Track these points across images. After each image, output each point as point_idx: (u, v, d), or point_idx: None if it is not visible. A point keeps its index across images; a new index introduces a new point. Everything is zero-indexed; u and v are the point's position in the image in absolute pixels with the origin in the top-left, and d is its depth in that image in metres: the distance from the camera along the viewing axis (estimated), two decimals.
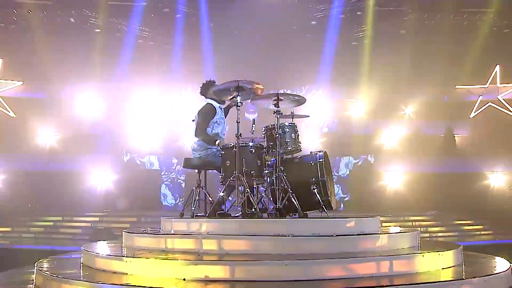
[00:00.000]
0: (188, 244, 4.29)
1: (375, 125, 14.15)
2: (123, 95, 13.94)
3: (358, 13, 13.10)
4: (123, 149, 13.86)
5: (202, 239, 4.20)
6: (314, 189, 5.10)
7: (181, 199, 13.81)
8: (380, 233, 4.43)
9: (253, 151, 5.12)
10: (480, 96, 13.91)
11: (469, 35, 13.14)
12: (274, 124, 5.23)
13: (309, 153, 5.42)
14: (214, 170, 5.79)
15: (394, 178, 13.42)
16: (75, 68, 12.93)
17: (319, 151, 5.35)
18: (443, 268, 4.03)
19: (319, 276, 3.65)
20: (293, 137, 5.30)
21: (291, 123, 5.33)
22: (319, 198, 5.06)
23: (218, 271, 3.70)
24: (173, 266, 3.81)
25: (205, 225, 4.54)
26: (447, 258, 4.12)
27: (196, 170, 5.70)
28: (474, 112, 13.94)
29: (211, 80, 5.89)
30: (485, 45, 13.07)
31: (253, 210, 4.84)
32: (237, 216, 5.18)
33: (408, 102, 14.22)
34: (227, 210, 5.53)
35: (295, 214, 5.13)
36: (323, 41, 13.46)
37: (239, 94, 5.04)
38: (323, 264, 3.71)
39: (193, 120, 5.83)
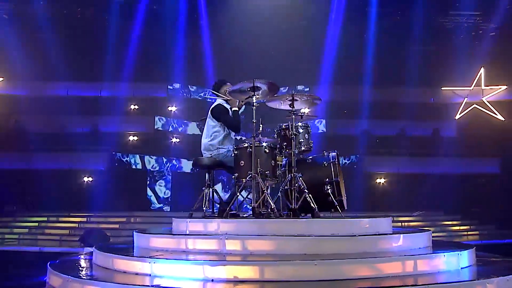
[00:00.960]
0: (210, 244, 4.31)
1: (360, 125, 14.35)
2: (108, 90, 13.89)
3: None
4: (109, 147, 13.72)
5: (226, 240, 4.22)
6: (328, 189, 5.18)
7: (168, 199, 13.78)
8: (400, 233, 4.52)
9: (267, 151, 5.17)
10: (465, 98, 14.25)
11: (455, 37, 13.47)
12: (287, 124, 5.29)
13: (321, 153, 5.50)
14: (222, 170, 5.86)
15: (380, 179, 13.65)
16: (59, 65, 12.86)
17: (331, 152, 5.43)
18: (462, 268, 4.15)
19: (348, 276, 3.72)
20: (306, 138, 5.37)
21: (304, 124, 5.40)
22: (333, 198, 5.15)
23: (247, 272, 3.73)
24: (200, 267, 3.82)
25: (224, 226, 4.56)
26: (465, 258, 4.25)
27: (206, 170, 5.72)
28: (460, 114, 14.29)
29: (223, 79, 5.93)
30: (471, 47, 13.44)
31: (269, 210, 4.89)
32: (246, 216, 5.24)
33: (394, 103, 14.45)
34: (236, 211, 5.58)
35: (306, 214, 5.23)
36: (313, 40, 13.60)
37: (255, 94, 5.08)
38: (351, 263, 3.78)
39: (200, 120, 5.86)
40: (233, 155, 5.34)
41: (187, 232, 4.83)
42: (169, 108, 14.39)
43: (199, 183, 13.89)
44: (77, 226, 11.48)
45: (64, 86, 14.09)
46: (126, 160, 13.81)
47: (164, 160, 14.05)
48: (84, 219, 11.72)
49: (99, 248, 4.92)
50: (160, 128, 14.19)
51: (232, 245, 4.22)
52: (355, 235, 4.28)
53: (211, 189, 5.64)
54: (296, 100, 5.18)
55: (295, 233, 4.32)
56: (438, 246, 4.85)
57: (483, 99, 14.13)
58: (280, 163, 5.38)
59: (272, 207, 4.82)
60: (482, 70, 14.09)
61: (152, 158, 14.01)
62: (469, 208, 12.55)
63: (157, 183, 13.91)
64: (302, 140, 5.31)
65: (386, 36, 13.78)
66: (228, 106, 5.73)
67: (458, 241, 9.79)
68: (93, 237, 9.88)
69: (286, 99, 5.18)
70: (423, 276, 3.86)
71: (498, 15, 12.94)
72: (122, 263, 4.28)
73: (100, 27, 13.40)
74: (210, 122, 5.68)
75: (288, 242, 4.18)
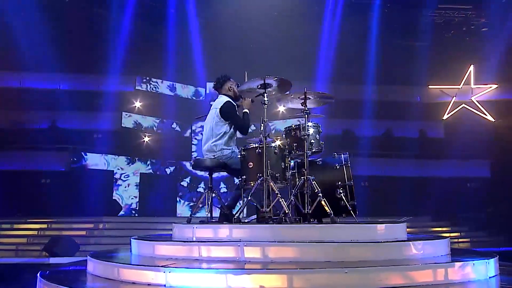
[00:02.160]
0: (227, 252, 4.40)
1: (344, 125, 14.64)
2: (74, 86, 13.69)
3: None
4: (70, 146, 13.50)
5: (244, 247, 4.32)
6: (341, 193, 5.35)
7: (136, 203, 13.70)
8: (420, 240, 4.72)
9: (277, 153, 5.30)
10: (454, 97, 14.77)
11: (445, 33, 13.96)
12: (298, 125, 5.43)
13: (329, 154, 5.67)
14: (224, 173, 5.95)
15: (364, 181, 13.97)
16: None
17: (343, 153, 5.61)
18: (490, 277, 4.39)
19: (380, 284, 3.87)
20: (317, 138, 5.52)
21: (314, 124, 5.55)
22: (346, 203, 5.32)
23: (274, 280, 3.83)
24: (222, 275, 3.90)
25: (237, 232, 4.66)
26: (492, 266, 4.49)
27: (207, 172, 5.80)
28: (447, 114, 14.79)
29: (226, 75, 6.01)
30: (461, 43, 13.97)
31: (282, 215, 5.02)
32: (248, 222, 5.36)
33: (379, 102, 14.82)
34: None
35: (314, 220, 5.39)
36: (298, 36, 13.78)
37: (266, 92, 5.20)
38: (382, 271, 3.94)
39: (197, 118, 5.95)
40: (239, 156, 5.45)
41: (194, 239, 4.89)
42: (139, 104, 14.27)
43: (170, 185, 13.97)
44: (37, 233, 11.26)
45: (17, 76, 13.77)
46: (90, 160, 13.62)
47: (132, 160, 13.93)
48: (45, 226, 11.49)
49: (96, 257, 4.92)
50: (128, 126, 14.06)
51: (251, 252, 4.32)
52: (380, 241, 4.46)
53: (212, 193, 5.72)
54: (309, 98, 5.32)
55: (314, 239, 4.46)
56: (456, 253, 5.08)
57: (472, 98, 14.66)
58: (287, 165, 5.52)
59: (286, 211, 4.94)
60: (471, 68, 14.61)
61: (118, 158, 13.87)
62: (459, 214, 13.00)
63: (124, 186, 13.78)
64: (313, 141, 5.45)
65: (372, 31, 14.12)
66: (235, 104, 5.83)
67: (467, 248, 10.14)
68: (60, 246, 9.75)
69: (298, 97, 5.32)
70: (455, 285, 4.06)
71: (490, 10, 13.40)
72: (130, 273, 4.30)
73: (63, 12, 13.14)
74: (216, 121, 5.72)
75: (310, 248, 4.32)
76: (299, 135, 5.38)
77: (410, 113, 14.52)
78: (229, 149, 5.70)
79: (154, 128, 14.41)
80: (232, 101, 5.91)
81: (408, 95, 14.87)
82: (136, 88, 14.31)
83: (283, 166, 5.35)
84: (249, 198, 5.12)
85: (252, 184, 5.26)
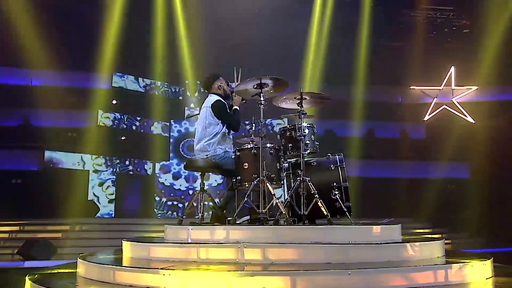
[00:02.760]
0: (227, 253, 4.44)
1: (326, 126, 14.80)
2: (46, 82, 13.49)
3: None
4: (43, 144, 13.31)
5: (244, 248, 4.38)
6: (336, 194, 5.46)
7: (113, 204, 13.60)
8: (416, 241, 4.85)
9: (273, 153, 5.38)
10: (435, 98, 15.08)
11: (428, 33, 14.26)
12: (293, 125, 5.52)
13: (325, 155, 5.77)
14: (214, 174, 6.00)
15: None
16: None
17: (337, 154, 5.72)
18: (487, 278, 4.54)
19: (381, 286, 3.98)
20: (313, 139, 5.62)
21: (309, 124, 5.64)
22: (342, 204, 5.43)
23: (278, 282, 3.88)
24: (225, 278, 3.93)
25: (234, 233, 4.71)
26: (488, 268, 4.65)
27: (199, 173, 5.83)
28: (429, 115, 15.09)
29: (215, 73, 6.07)
30: (442, 44, 14.29)
31: (278, 216, 5.10)
32: (239, 223, 5.43)
33: (361, 102, 15.03)
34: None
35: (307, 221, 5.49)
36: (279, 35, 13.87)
37: (262, 92, 5.27)
38: (384, 272, 4.04)
39: (186, 118, 5.98)
40: (233, 157, 5.51)
41: (189, 241, 4.92)
42: (115, 102, 14.16)
43: (147, 186, 13.92)
44: (8, 236, 11.08)
45: None
46: (64, 160, 13.46)
47: (109, 159, 13.82)
48: (17, 228, 11.32)
49: (88, 259, 4.91)
50: (104, 124, 13.94)
51: (251, 254, 4.38)
52: (378, 243, 4.57)
53: (204, 193, 5.76)
54: (305, 99, 5.41)
55: (313, 240, 4.56)
56: (450, 255, 5.23)
57: (453, 100, 14.98)
58: (282, 166, 5.61)
59: (284, 212, 5.01)
60: (452, 70, 14.94)
61: (94, 157, 13.74)
62: (439, 215, 13.28)
63: (101, 186, 13.66)
64: (308, 142, 5.55)
65: (353, 30, 14.30)
66: (225, 102, 5.89)
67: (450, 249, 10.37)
68: (36, 249, 9.63)
69: (294, 98, 5.41)
70: (454, 286, 4.18)
71: (472, 12, 13.75)
72: (127, 276, 4.30)
73: (34, 5, 12.92)
74: (209, 120, 5.78)
75: (310, 250, 4.39)
76: (294, 135, 5.47)
77: (392, 114, 14.78)
78: (222, 148, 5.76)
79: (132, 127, 14.31)
80: (222, 100, 5.97)
81: (390, 95, 15.12)
82: (113, 85, 14.17)
83: (278, 167, 5.43)
84: (246, 199, 5.17)
85: (247, 185, 5.33)
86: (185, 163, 5.84)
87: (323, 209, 5.11)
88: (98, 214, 13.19)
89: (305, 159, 5.68)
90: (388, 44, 14.53)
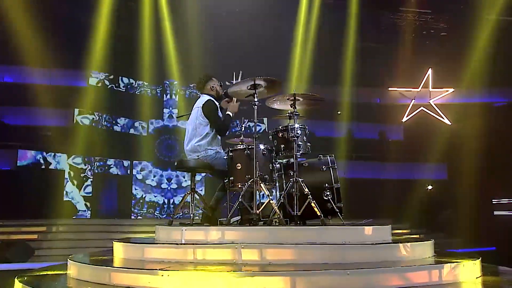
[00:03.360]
0: (223, 254, 4.48)
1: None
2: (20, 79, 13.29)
3: None
4: (17, 143, 13.09)
5: (242, 249, 4.43)
6: (328, 195, 5.56)
7: (89, 204, 13.46)
8: (408, 242, 4.97)
9: (266, 154, 5.45)
10: (413, 100, 15.37)
11: (406, 35, 14.54)
12: (285, 126, 5.60)
13: (315, 156, 5.87)
14: (204, 174, 6.05)
15: None
16: None
17: (329, 155, 5.83)
18: (476, 277, 4.69)
19: (379, 286, 4.08)
20: (305, 140, 5.71)
21: (302, 125, 5.72)
22: (333, 205, 5.53)
23: (278, 283, 3.94)
24: (225, 278, 3.97)
25: (230, 234, 4.75)
26: (477, 267, 4.81)
27: (190, 173, 5.87)
28: (407, 117, 15.38)
29: (208, 74, 6.12)
30: (421, 46, 14.58)
31: (272, 217, 5.17)
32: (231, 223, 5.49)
33: (340, 103, 15.20)
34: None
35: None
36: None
37: (256, 93, 5.33)
38: (381, 272, 4.14)
39: (177, 118, 6.02)
40: (225, 157, 5.57)
41: (183, 242, 4.95)
42: (92, 101, 14.00)
43: (125, 186, 13.81)
44: None
45: None
46: (39, 159, 13.27)
47: (85, 159, 13.67)
48: None
49: (79, 260, 4.90)
50: (81, 123, 13.78)
51: (249, 255, 4.43)
52: (372, 243, 4.68)
53: (195, 194, 5.79)
54: (298, 100, 5.49)
55: (309, 241, 4.64)
56: (439, 255, 5.38)
57: (431, 101, 15.29)
58: (274, 166, 5.68)
59: (278, 213, 5.09)
60: (430, 72, 15.25)
61: (70, 157, 13.58)
62: (417, 216, 13.54)
63: (77, 186, 13.51)
64: (301, 143, 5.63)
65: (332, 31, 14.48)
66: (217, 103, 5.93)
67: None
68: (13, 251, 9.50)
69: (288, 99, 5.48)
70: (448, 286, 4.30)
71: (450, 16, 14.10)
72: (124, 277, 4.30)
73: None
74: (200, 120, 5.83)
75: (308, 250, 4.47)
76: (287, 136, 5.54)
77: (370, 115, 15.00)
78: (213, 149, 5.81)
79: (110, 126, 14.18)
80: (214, 101, 6.01)
81: (368, 96, 15.35)
82: (90, 83, 14.03)
83: (271, 168, 5.51)
84: (240, 199, 5.22)
85: (239, 186, 5.40)
86: (175, 164, 5.86)
87: (316, 209, 5.19)
88: (76, 215, 13.05)
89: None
90: (368, 46, 14.73)
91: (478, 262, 4.84)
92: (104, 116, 14.11)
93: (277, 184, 5.73)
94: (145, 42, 13.99)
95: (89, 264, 4.71)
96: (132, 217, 14.00)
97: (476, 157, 13.72)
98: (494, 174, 13.36)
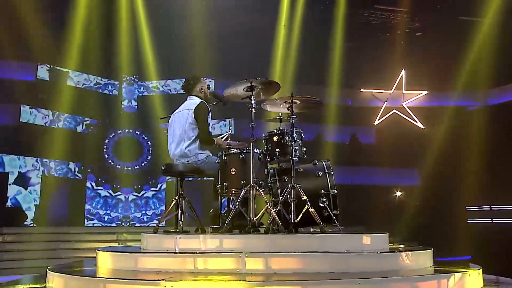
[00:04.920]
0: (226, 263, 4.65)
1: (269, 128, 15.12)
2: None
3: None
4: None
5: (246, 258, 4.62)
6: (324, 202, 5.82)
7: (37, 211, 13.26)
8: (410, 250, 5.28)
9: (261, 159, 5.66)
10: (385, 102, 15.88)
11: (381, 35, 15.02)
12: (281, 130, 5.82)
13: (309, 161, 6.12)
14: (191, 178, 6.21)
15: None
16: None
17: (324, 161, 6.09)
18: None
19: None
20: (300, 145, 5.95)
21: (297, 129, 5.96)
22: (330, 212, 5.79)
23: None
24: None
25: (228, 242, 4.94)
26: (480, 277, 5.17)
27: (179, 178, 6.00)
28: (378, 120, 15.86)
29: (196, 75, 6.29)
30: (396, 47, 15.09)
31: (269, 225, 5.39)
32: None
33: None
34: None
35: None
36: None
37: (253, 95, 5.53)
38: (392, 282, 4.41)
39: (161, 119, 6.15)
40: (218, 161, 5.75)
41: (177, 250, 5.09)
42: (40, 97, 13.80)
43: (77, 191, 13.70)
44: None
45: None
46: None
47: (32, 161, 13.46)
48: None
49: (65, 271, 4.97)
50: (27, 121, 13.56)
51: (253, 264, 4.62)
52: (377, 252, 4.97)
53: (184, 200, 5.94)
54: (296, 102, 5.73)
55: (309, 249, 4.88)
56: (437, 264, 5.72)
57: (403, 104, 15.84)
58: (269, 172, 5.90)
59: (277, 221, 5.30)
60: (403, 73, 15.78)
61: (15, 158, 13.33)
62: (390, 223, 13.99)
63: (24, 191, 13.29)
64: (296, 148, 5.86)
65: (304, 29, 14.75)
66: (208, 107, 6.11)
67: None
68: None
69: (284, 101, 5.72)
70: None
71: (426, 15, 14.63)
72: None
73: None
74: (190, 122, 5.98)
75: (313, 259, 4.70)
76: (283, 140, 5.76)
77: (341, 117, 15.37)
78: (204, 153, 5.99)
79: (59, 125, 14.01)
80: (206, 104, 6.18)
81: (339, 98, 15.71)
82: (38, 77, 13.83)
83: (266, 173, 5.72)
84: (237, 206, 5.40)
85: (233, 192, 5.59)
86: (163, 168, 5.97)
87: (315, 217, 5.43)
88: (26, 222, 12.88)
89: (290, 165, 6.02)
90: (340, 44, 15.06)
91: (480, 271, 5.20)
92: (53, 113, 13.93)
93: (273, 191, 5.93)
94: (101, 35, 13.90)
95: (78, 275, 4.77)
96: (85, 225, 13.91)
97: (449, 163, 14.32)
98: (468, 180, 13.87)
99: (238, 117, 13.17)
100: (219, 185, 5.71)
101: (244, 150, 5.64)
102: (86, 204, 14.23)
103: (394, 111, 15.89)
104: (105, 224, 14.16)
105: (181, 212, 5.89)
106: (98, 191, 14.45)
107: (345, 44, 15.09)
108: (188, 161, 5.93)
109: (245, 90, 5.59)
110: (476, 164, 13.73)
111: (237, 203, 5.41)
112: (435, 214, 14.05)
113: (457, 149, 14.21)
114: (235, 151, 5.67)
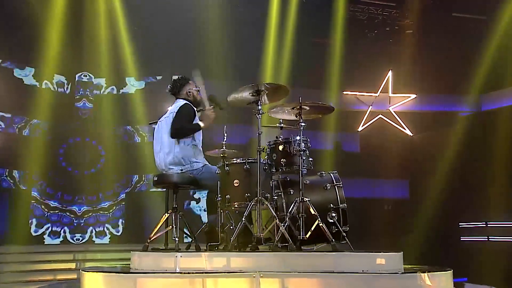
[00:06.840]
0: (237, 284, 4.79)
1: (249, 134, 15.27)
2: None
3: None
4: None
5: (260, 278, 4.77)
6: (334, 217, 6.01)
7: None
8: (426, 271, 5.52)
9: (267, 170, 5.83)
10: (370, 106, 16.17)
11: (368, 32, 15.31)
12: (287, 138, 6.00)
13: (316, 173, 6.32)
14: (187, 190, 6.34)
15: None
16: None
17: (332, 172, 6.29)
18: None
19: None
20: (307, 154, 6.14)
21: (304, 138, 6.15)
22: (339, 228, 6.00)
23: None
24: None
25: (236, 261, 5.09)
26: None
27: (172, 190, 6.12)
28: (363, 126, 16.11)
29: (185, 77, 6.43)
30: (384, 45, 15.40)
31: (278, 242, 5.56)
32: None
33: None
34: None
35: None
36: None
37: (260, 100, 5.70)
38: None
39: (149, 124, 6.28)
40: (218, 172, 5.89)
41: (178, 270, 5.20)
42: None
43: (18, 203, 13.52)
44: None
45: None
46: None
47: None
48: None
49: None
50: None
51: (268, 285, 4.78)
52: (398, 273, 5.20)
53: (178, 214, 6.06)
54: (305, 109, 5.92)
55: (324, 269, 5.07)
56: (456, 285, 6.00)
57: (390, 108, 16.18)
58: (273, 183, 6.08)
59: (288, 238, 5.47)
60: (390, 74, 16.09)
61: None
62: (377, 238, 14.27)
63: None
64: (304, 158, 6.04)
65: (282, 25, 14.93)
66: (195, 109, 6.26)
67: None
68: None
69: (293, 108, 5.90)
70: None
71: (416, 11, 14.90)
72: None
73: None
74: None
75: (332, 280, 4.89)
76: (289, 150, 5.94)
77: (324, 122, 15.56)
78: (200, 162, 6.11)
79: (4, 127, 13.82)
80: (191, 105, 6.32)
81: (320, 100, 15.87)
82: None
83: (271, 185, 5.88)
84: (243, 220, 5.54)
85: (236, 205, 5.74)
86: (155, 179, 6.07)
87: (327, 234, 5.62)
88: None
89: (293, 177, 6.20)
90: (323, 42, 15.24)
91: None
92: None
93: (277, 204, 6.08)
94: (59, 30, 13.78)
95: None
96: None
97: (441, 174, 14.64)
98: (462, 193, 14.20)
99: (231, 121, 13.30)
100: (219, 198, 5.84)
101: (248, 160, 5.78)
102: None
103: (380, 116, 16.15)
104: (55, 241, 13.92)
105: (176, 227, 5.99)
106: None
107: (326, 41, 15.25)
108: (182, 170, 6.04)
109: (251, 95, 5.73)
110: (470, 176, 14.00)
111: (243, 218, 5.55)
112: (426, 230, 14.30)
113: (449, 160, 14.47)
114: (238, 160, 5.81)
